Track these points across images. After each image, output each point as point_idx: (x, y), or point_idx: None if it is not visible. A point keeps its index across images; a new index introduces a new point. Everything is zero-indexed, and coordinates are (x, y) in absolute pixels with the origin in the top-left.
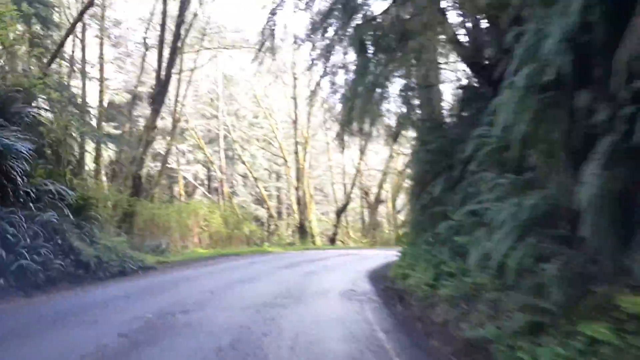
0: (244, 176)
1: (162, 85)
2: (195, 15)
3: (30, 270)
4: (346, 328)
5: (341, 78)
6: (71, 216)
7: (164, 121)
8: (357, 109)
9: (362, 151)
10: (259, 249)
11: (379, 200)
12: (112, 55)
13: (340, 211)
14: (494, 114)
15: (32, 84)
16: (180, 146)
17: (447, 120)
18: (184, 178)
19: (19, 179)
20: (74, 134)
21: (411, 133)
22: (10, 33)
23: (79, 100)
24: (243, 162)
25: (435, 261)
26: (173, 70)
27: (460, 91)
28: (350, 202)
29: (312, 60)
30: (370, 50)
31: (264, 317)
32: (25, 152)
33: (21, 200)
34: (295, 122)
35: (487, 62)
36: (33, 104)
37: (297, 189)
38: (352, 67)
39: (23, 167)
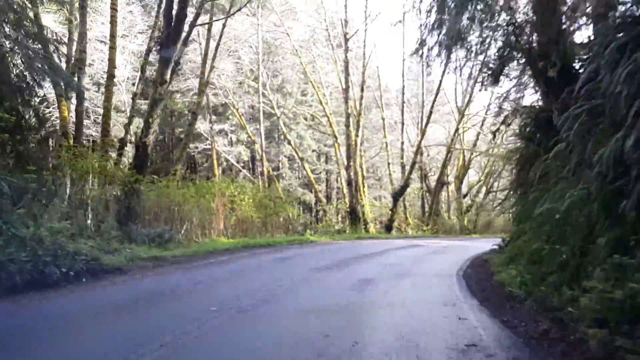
0: (290, 158)
1: (172, 28)
2: None
3: None
4: None
5: None
6: None
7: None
8: None
9: (424, 126)
10: (300, 238)
11: (442, 182)
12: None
13: (398, 194)
14: None
15: None
16: (222, 126)
17: None
18: (226, 160)
19: None
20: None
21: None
22: None
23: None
24: (288, 142)
25: None
26: (199, 21)
27: None
28: (410, 183)
29: None
30: None
31: None
32: None
33: None
34: (346, 91)
35: None
36: None
37: (348, 168)
38: None
39: None
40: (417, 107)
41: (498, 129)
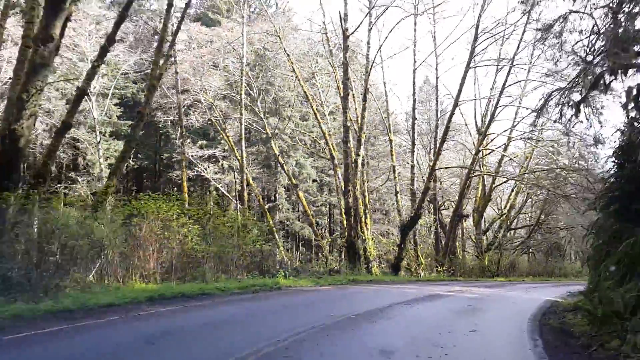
0: (288, 188)
1: None
2: None
3: None
4: None
5: None
6: None
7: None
8: None
9: (439, 146)
10: (266, 282)
11: (460, 215)
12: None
13: (407, 227)
14: None
15: None
16: (213, 151)
17: None
18: (216, 190)
19: None
20: None
21: None
22: None
23: None
24: (281, 166)
25: None
26: None
27: None
28: (422, 214)
29: None
30: None
31: None
32: None
33: None
34: (345, 98)
35: None
36: None
37: (345, 193)
38: None
39: None
40: (430, 133)
41: (585, 97)
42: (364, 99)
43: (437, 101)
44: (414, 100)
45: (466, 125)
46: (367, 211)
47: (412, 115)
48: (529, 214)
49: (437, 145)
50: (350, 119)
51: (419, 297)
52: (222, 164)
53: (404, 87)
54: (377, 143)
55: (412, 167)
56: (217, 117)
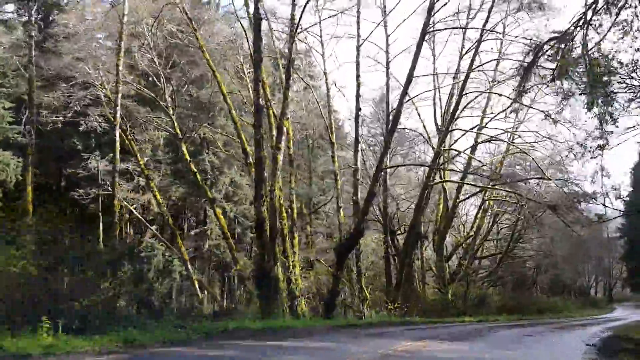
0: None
1: None
2: None
3: None
4: None
5: None
6: None
7: None
8: None
9: (389, 129)
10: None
11: (418, 235)
12: None
13: (345, 247)
14: None
15: None
16: (125, 165)
17: None
18: (130, 213)
19: None
20: None
21: None
22: None
23: None
24: (194, 174)
25: None
26: None
27: None
28: (364, 230)
29: None
30: None
31: None
32: None
33: None
34: (257, 64)
35: None
36: None
37: (257, 199)
38: None
39: None
40: (379, 144)
41: None
42: (287, 74)
43: (387, 88)
44: (358, 85)
45: (424, 126)
46: (295, 229)
47: (355, 105)
48: (495, 242)
49: (386, 135)
50: (268, 98)
51: None
52: (137, 181)
53: (351, 91)
54: (328, 162)
55: (355, 171)
56: (112, 113)
